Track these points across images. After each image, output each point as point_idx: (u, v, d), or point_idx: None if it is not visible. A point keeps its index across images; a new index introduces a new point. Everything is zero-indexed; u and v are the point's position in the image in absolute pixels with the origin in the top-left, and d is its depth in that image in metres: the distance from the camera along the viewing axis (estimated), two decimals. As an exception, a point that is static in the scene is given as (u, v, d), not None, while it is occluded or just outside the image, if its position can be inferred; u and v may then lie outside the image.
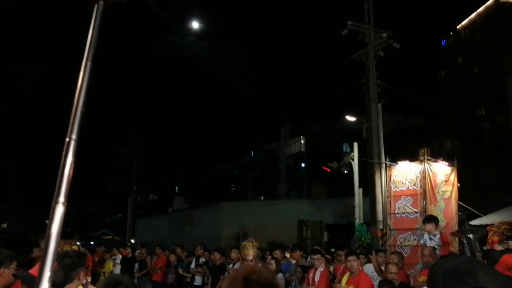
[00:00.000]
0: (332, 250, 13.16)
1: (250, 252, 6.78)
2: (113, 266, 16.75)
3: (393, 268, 7.42)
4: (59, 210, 1.17)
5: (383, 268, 8.82)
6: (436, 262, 1.85)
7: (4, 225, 71.75)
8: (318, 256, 8.40)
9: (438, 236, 8.61)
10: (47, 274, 1.11)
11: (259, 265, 9.05)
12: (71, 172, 1.21)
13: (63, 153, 1.22)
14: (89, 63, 1.31)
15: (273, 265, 8.69)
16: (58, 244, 1.15)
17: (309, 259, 10.52)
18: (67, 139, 1.23)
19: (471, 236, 7.11)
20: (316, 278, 8.11)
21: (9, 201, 71.20)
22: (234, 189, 66.10)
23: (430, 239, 8.62)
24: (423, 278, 7.12)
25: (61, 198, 1.18)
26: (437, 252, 7.76)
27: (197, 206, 48.61)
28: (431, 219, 9.19)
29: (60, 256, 3.47)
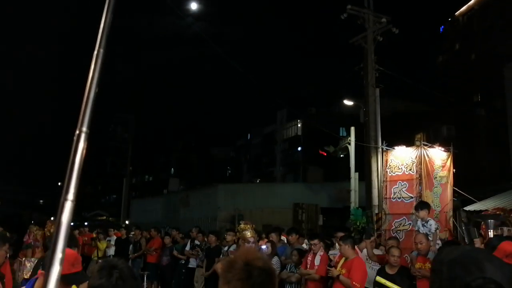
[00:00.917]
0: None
1: (250, 234, 6.79)
2: (107, 247, 16.79)
3: (395, 252, 7.46)
4: (68, 207, 1.11)
5: (376, 252, 8.90)
6: (441, 251, 1.84)
7: (-3, 204, 71.86)
8: (316, 241, 8.38)
9: (430, 222, 8.66)
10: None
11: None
12: (81, 167, 1.16)
13: (73, 147, 1.15)
14: (101, 50, 1.25)
15: (269, 248, 8.71)
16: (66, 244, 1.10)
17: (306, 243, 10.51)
18: (77, 132, 1.16)
19: (465, 223, 7.18)
20: (316, 262, 8.09)
21: (1, 181, 71.14)
22: (229, 171, 66.17)
23: (423, 225, 8.67)
24: (419, 264, 7.19)
25: (70, 196, 1.12)
26: (429, 238, 7.81)
27: (192, 188, 48.64)
28: (424, 205, 9.22)
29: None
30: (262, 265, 1.93)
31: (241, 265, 1.91)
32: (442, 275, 1.55)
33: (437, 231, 8.67)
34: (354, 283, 6.88)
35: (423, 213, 8.84)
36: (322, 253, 8.27)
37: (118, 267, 2.50)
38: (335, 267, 7.49)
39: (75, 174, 1.14)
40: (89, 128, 1.17)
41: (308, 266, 8.19)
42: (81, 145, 1.16)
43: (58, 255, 1.07)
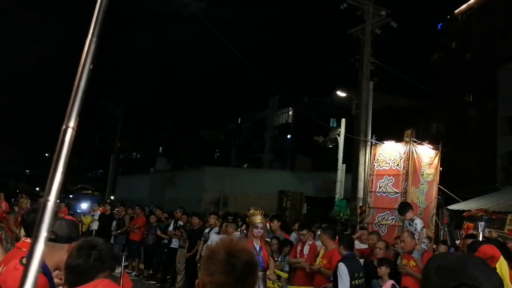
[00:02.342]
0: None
1: (259, 219, 6.75)
2: (91, 222, 16.76)
3: (381, 244, 7.74)
4: (49, 208, 1.04)
5: (364, 245, 8.99)
6: (432, 256, 1.78)
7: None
8: (304, 231, 8.43)
9: (416, 221, 8.69)
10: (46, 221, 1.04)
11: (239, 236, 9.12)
12: (65, 169, 1.07)
13: (58, 143, 1.08)
14: (94, 39, 1.18)
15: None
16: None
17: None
18: (64, 127, 1.08)
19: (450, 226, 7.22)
20: (305, 251, 8.17)
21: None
22: (218, 154, 66.15)
23: (410, 224, 8.72)
24: (404, 261, 7.26)
25: (52, 198, 1.05)
26: (415, 237, 7.85)
27: (180, 168, 48.57)
28: (407, 207, 9.22)
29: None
30: (247, 259, 1.92)
31: (225, 256, 1.89)
32: (431, 280, 1.52)
33: (423, 230, 8.71)
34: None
35: (409, 215, 8.89)
36: (311, 242, 8.35)
37: (98, 247, 2.47)
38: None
39: (59, 175, 1.07)
40: (77, 124, 1.10)
41: (298, 255, 8.27)
42: (67, 142, 1.09)
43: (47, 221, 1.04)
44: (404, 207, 9.36)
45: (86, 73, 1.13)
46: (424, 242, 8.33)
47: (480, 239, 6.83)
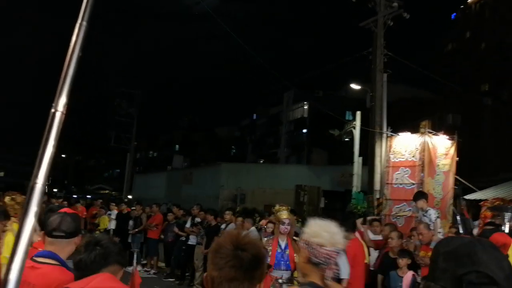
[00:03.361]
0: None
1: (285, 215, 6.54)
2: (109, 222, 16.88)
3: (394, 235, 7.70)
4: (37, 191, 1.07)
5: (379, 237, 8.98)
6: (440, 241, 1.74)
7: (1, 174, 72.39)
8: None
9: (429, 212, 8.67)
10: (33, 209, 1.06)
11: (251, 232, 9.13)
12: (52, 155, 1.10)
13: (47, 126, 1.10)
14: (84, 23, 1.18)
15: (269, 228, 8.70)
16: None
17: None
18: (52, 110, 1.10)
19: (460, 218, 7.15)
20: None
21: (4, 150, 71.50)
22: (234, 151, 66.28)
23: (424, 215, 8.69)
24: (423, 253, 7.26)
25: (40, 179, 1.08)
26: (431, 228, 7.84)
27: (196, 165, 48.75)
28: (421, 195, 9.22)
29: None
30: (254, 252, 1.93)
31: (232, 250, 1.90)
32: (437, 265, 1.49)
33: (438, 219, 8.68)
34: None
35: (421, 202, 8.87)
36: None
37: (102, 244, 2.52)
38: None
39: (47, 157, 1.10)
40: (65, 108, 1.12)
41: None
42: (56, 126, 1.10)
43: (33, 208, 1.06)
44: (417, 194, 9.38)
45: (76, 58, 1.14)
46: (440, 232, 8.31)
47: (506, 230, 6.72)
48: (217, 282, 1.90)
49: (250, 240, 1.98)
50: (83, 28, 1.17)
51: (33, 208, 1.05)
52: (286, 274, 6.36)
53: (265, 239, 6.67)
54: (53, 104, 1.11)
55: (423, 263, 7.07)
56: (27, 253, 1.05)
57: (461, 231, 7.26)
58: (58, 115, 1.11)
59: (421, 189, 11.74)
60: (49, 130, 1.10)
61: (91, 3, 1.19)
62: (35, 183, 1.07)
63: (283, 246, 6.53)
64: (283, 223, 6.58)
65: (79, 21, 1.17)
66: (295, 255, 7.08)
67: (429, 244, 7.30)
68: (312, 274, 2.62)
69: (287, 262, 6.41)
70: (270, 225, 8.85)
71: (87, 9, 1.18)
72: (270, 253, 6.37)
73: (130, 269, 3.43)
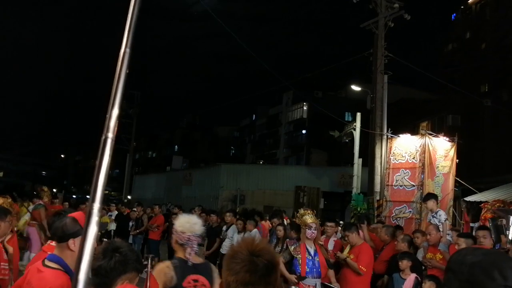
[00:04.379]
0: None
1: (311, 219, 6.41)
2: (109, 222, 16.85)
3: (400, 236, 7.89)
4: (95, 213, 1.11)
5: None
6: (460, 251, 1.73)
7: (0, 174, 72.42)
8: (332, 224, 8.27)
9: (439, 213, 8.62)
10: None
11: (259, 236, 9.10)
12: (107, 173, 1.15)
13: (99, 152, 1.15)
14: (128, 50, 1.21)
15: (281, 231, 8.67)
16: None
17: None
18: (103, 137, 1.16)
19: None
20: (329, 247, 7.85)
21: (3, 151, 71.52)
22: (233, 151, 66.21)
23: (433, 217, 8.62)
24: (430, 254, 7.20)
25: (96, 204, 1.12)
26: (440, 229, 7.78)
27: (196, 166, 48.73)
28: (431, 196, 9.18)
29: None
30: (269, 258, 2.00)
31: (248, 256, 1.97)
32: (462, 276, 1.49)
33: (447, 221, 8.64)
34: (360, 266, 6.80)
35: (430, 203, 8.80)
36: (335, 239, 8.14)
37: (121, 250, 2.54)
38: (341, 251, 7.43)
39: (101, 182, 1.14)
40: (115, 134, 1.17)
41: None
42: (107, 151, 1.16)
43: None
44: (428, 195, 9.35)
45: (122, 84, 1.19)
46: (448, 234, 8.27)
47: (511, 235, 6.65)
48: (233, 287, 1.96)
49: (265, 247, 2.06)
50: (127, 56, 1.21)
51: (92, 230, 1.10)
52: (318, 282, 6.14)
53: (292, 247, 6.40)
54: (104, 131, 1.16)
55: (430, 265, 7.00)
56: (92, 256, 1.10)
57: (492, 236, 7.12)
58: (109, 142, 1.16)
59: (421, 191, 11.76)
60: (101, 156, 1.15)
61: (133, 30, 1.23)
62: (92, 207, 1.11)
63: (312, 252, 6.30)
64: (310, 228, 6.35)
65: (122, 48, 1.21)
66: (337, 253, 7.16)
67: (437, 245, 7.25)
68: (179, 251, 3.72)
69: (319, 269, 6.20)
70: (280, 228, 8.79)
71: (129, 36, 1.22)
72: (300, 261, 6.20)
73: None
